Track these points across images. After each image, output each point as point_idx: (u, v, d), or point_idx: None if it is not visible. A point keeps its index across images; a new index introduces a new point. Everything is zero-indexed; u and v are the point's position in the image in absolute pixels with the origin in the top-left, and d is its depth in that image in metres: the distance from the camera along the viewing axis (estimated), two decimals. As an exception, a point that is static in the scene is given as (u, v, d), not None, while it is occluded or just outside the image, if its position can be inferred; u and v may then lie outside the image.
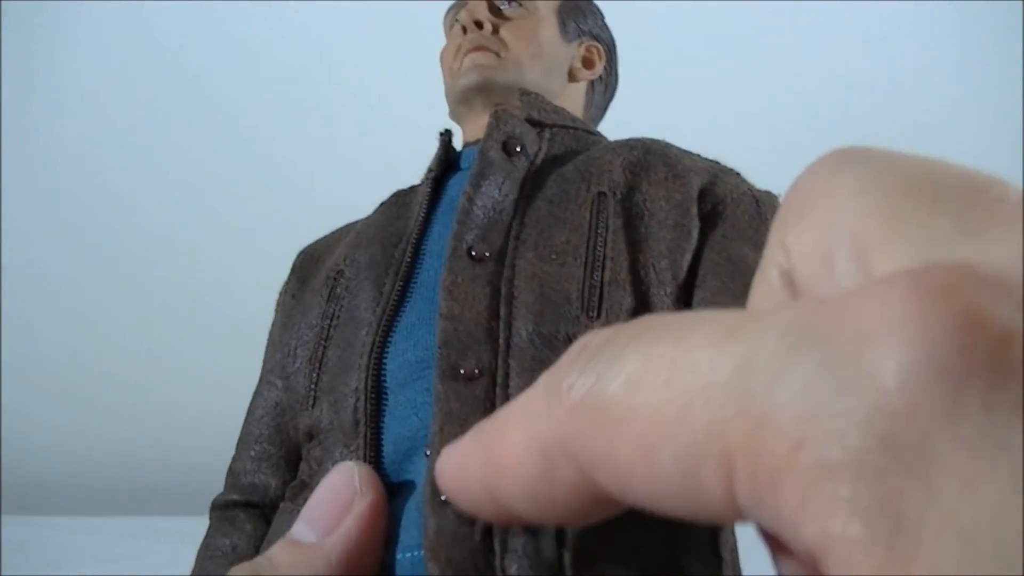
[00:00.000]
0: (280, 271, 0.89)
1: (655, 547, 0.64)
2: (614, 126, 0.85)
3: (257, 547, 0.76)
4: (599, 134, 0.87)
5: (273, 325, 0.86)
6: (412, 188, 0.85)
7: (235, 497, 0.79)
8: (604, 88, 0.95)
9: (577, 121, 0.86)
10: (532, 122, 0.81)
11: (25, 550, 3.33)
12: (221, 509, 0.79)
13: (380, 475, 0.68)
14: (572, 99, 0.90)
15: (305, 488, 0.73)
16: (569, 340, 0.69)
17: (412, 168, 0.86)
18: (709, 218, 0.76)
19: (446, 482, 0.16)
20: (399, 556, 0.65)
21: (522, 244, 0.73)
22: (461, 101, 0.85)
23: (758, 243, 0.75)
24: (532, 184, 0.77)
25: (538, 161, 0.78)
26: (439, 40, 0.93)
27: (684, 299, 0.73)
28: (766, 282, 0.15)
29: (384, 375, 0.72)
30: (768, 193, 0.80)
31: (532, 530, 0.61)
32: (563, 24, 0.89)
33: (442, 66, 0.90)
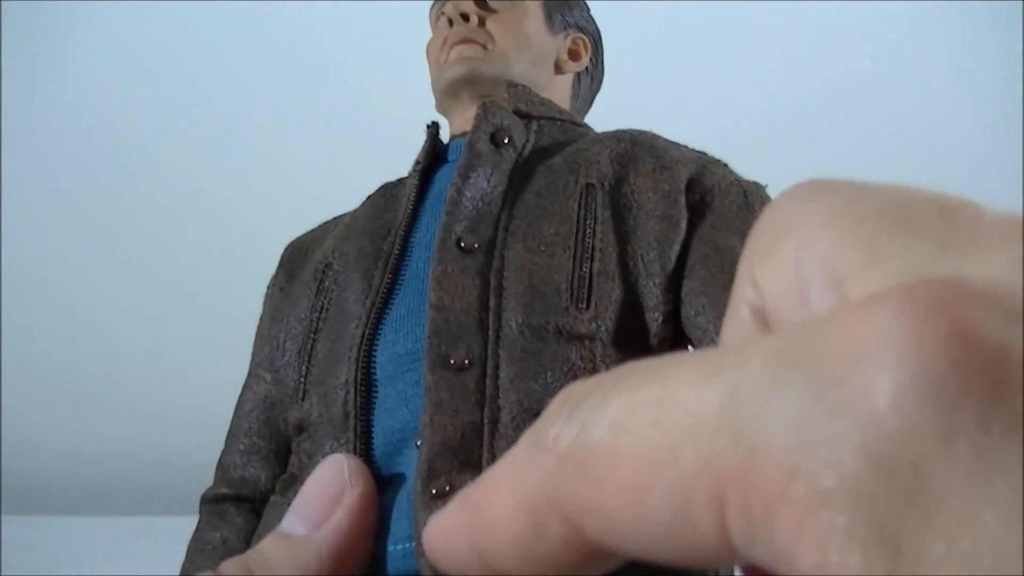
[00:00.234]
0: (281, 272, 0.88)
1: None
2: (614, 125, 0.85)
3: (247, 540, 0.76)
4: (586, 126, 0.88)
5: (261, 319, 0.85)
6: (400, 181, 0.85)
7: (225, 491, 0.79)
8: (590, 80, 0.95)
9: (564, 113, 0.86)
10: (520, 114, 0.81)
11: (25, 550, 3.33)
12: (211, 503, 0.79)
13: (370, 467, 0.68)
14: (559, 91, 0.90)
15: (295, 481, 0.73)
16: (559, 331, 0.69)
17: (399, 161, 0.86)
18: (697, 209, 0.76)
19: (434, 549, 0.16)
20: (390, 548, 0.65)
21: (511, 236, 0.73)
22: (448, 93, 0.86)
23: (746, 233, 0.73)
24: (520, 176, 0.77)
25: (526, 153, 0.79)
26: (426, 34, 0.93)
27: (673, 290, 0.73)
28: (737, 320, 0.15)
29: (374, 368, 0.72)
30: (756, 184, 0.80)
31: None
32: (549, 16, 0.90)
33: (428, 59, 0.90)
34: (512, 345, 0.68)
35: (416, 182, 0.80)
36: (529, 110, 0.82)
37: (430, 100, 0.91)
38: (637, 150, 0.78)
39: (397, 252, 0.76)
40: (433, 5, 0.92)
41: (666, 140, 0.81)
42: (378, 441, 0.69)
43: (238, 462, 0.80)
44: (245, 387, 0.82)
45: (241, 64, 5.23)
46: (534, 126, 0.81)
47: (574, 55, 0.92)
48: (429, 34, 0.92)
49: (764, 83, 5.26)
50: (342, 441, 0.70)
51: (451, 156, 0.84)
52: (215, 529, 0.77)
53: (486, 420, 0.66)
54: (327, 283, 0.78)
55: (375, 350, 0.72)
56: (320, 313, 0.77)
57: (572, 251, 0.72)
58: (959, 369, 0.10)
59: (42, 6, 4.98)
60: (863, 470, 0.10)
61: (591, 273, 0.71)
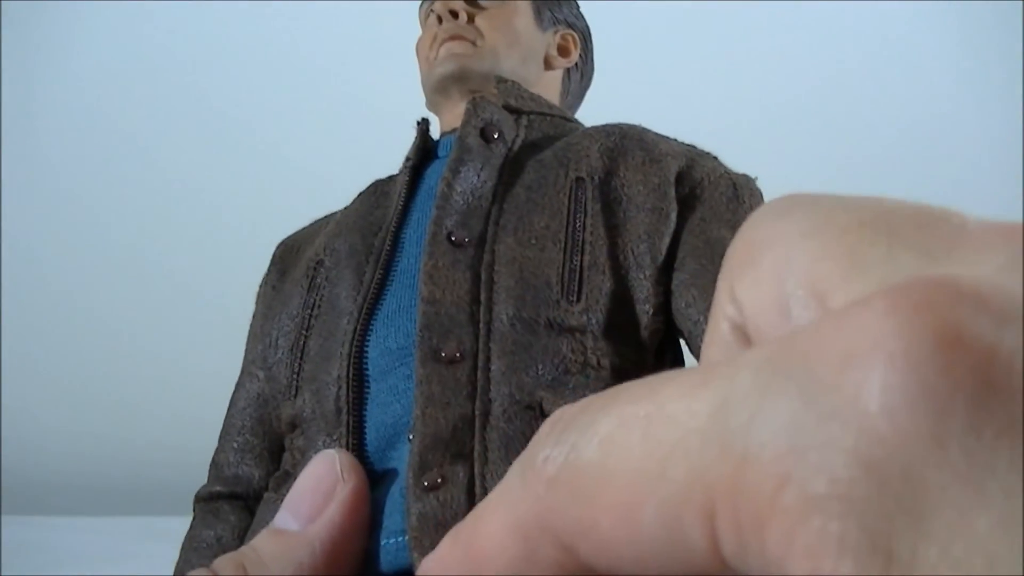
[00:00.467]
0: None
1: None
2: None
3: (241, 538, 0.76)
4: (576, 121, 0.88)
5: (254, 317, 0.85)
6: (390, 177, 0.85)
7: (219, 489, 0.79)
8: (580, 76, 0.95)
9: (554, 108, 0.86)
10: (509, 109, 0.81)
11: (25, 550, 3.33)
12: (205, 501, 0.79)
13: (363, 463, 0.69)
14: (548, 87, 0.90)
15: (288, 478, 0.73)
16: (550, 324, 0.70)
17: (392, 158, 0.86)
18: (687, 201, 0.76)
19: None
20: (383, 542, 0.65)
21: (502, 229, 0.73)
22: (438, 90, 0.86)
23: (736, 225, 0.75)
24: (510, 170, 0.77)
25: (516, 148, 0.79)
26: (416, 31, 0.93)
27: (663, 282, 0.74)
28: (718, 337, 0.14)
29: (366, 363, 0.72)
30: (745, 176, 0.80)
31: None
32: (538, 12, 0.90)
33: (418, 56, 0.90)
34: (503, 338, 0.69)
35: (407, 178, 0.81)
36: (519, 105, 0.82)
37: (421, 98, 0.91)
38: (626, 144, 0.78)
39: (388, 248, 0.76)
40: (422, 3, 0.92)
41: (655, 134, 0.81)
42: (371, 436, 0.70)
43: (232, 460, 0.80)
44: (238, 385, 0.83)
45: (241, 65, 5.23)
46: (524, 121, 0.82)
47: (563, 51, 0.92)
48: (408, 26, 0.92)
49: (763, 83, 5.26)
50: (335, 437, 0.70)
51: (441, 152, 0.84)
52: (209, 527, 0.77)
53: (478, 412, 0.66)
54: (319, 280, 0.78)
55: (367, 346, 0.72)
56: (312, 310, 0.77)
57: (562, 244, 0.72)
58: (949, 370, 0.10)
59: (42, 6, 4.97)
60: (855, 475, 0.10)
61: (581, 266, 0.72)
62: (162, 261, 5.52)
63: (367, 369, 0.72)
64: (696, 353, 0.75)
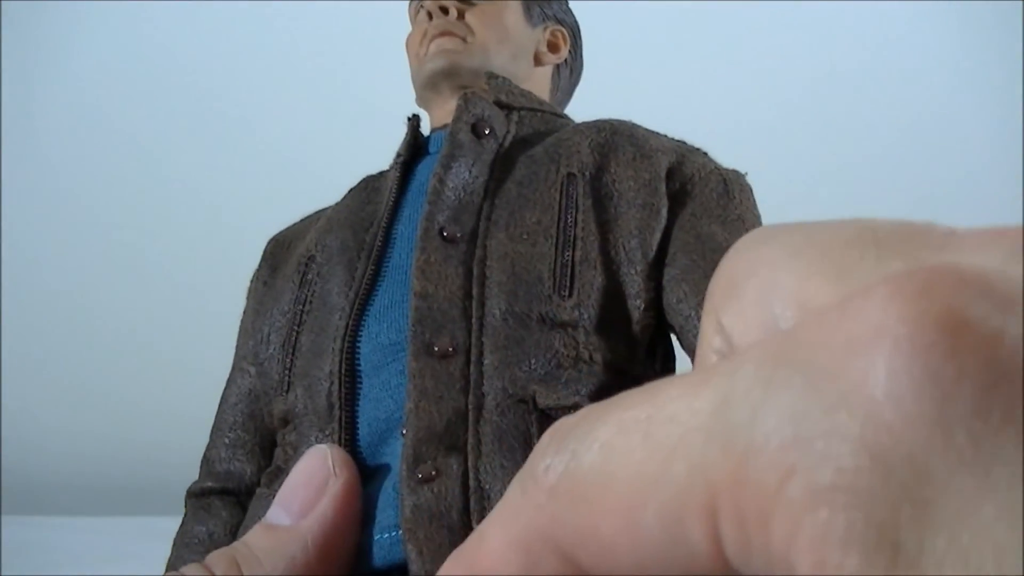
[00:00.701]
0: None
1: None
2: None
3: (233, 533, 0.76)
4: (567, 117, 0.88)
5: (245, 313, 0.86)
6: (381, 173, 0.85)
7: (210, 484, 0.79)
8: (570, 72, 0.95)
9: (544, 104, 0.86)
10: (500, 105, 0.82)
11: (25, 550, 3.32)
12: (196, 497, 0.79)
13: (356, 458, 0.69)
14: (538, 83, 0.90)
15: (280, 473, 0.73)
16: (542, 318, 0.70)
17: (386, 156, 0.86)
18: (677, 197, 0.77)
19: None
20: (376, 537, 0.65)
21: (493, 225, 0.73)
22: (428, 86, 0.86)
23: (726, 221, 0.76)
24: (501, 166, 0.77)
25: (507, 143, 0.79)
26: (406, 28, 0.93)
27: (654, 277, 0.74)
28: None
29: (358, 359, 0.72)
30: (735, 171, 0.80)
31: None
32: (528, 9, 0.90)
33: (408, 52, 0.90)
34: (496, 333, 0.69)
35: (398, 174, 0.81)
36: (510, 101, 0.82)
37: (398, 87, 0.91)
38: (617, 139, 0.78)
39: (380, 244, 0.76)
40: (412, 0, 0.92)
41: (645, 129, 0.81)
42: (363, 431, 0.70)
43: (223, 456, 0.80)
44: (229, 381, 0.83)
45: (240, 65, 5.23)
46: (515, 117, 0.82)
47: (553, 47, 0.92)
48: (398, 23, 0.93)
49: (761, 82, 5.26)
50: (327, 432, 0.70)
51: (432, 148, 0.84)
52: (200, 523, 0.77)
53: (471, 406, 0.67)
54: (310, 276, 0.78)
55: (359, 341, 0.72)
56: (304, 305, 0.77)
57: (554, 239, 0.72)
58: (955, 355, 0.09)
59: (42, 6, 4.97)
60: (861, 464, 0.09)
61: (573, 261, 0.72)
62: (162, 261, 5.52)
63: (359, 365, 0.72)
64: (687, 348, 0.75)
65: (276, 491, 0.65)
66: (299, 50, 5.20)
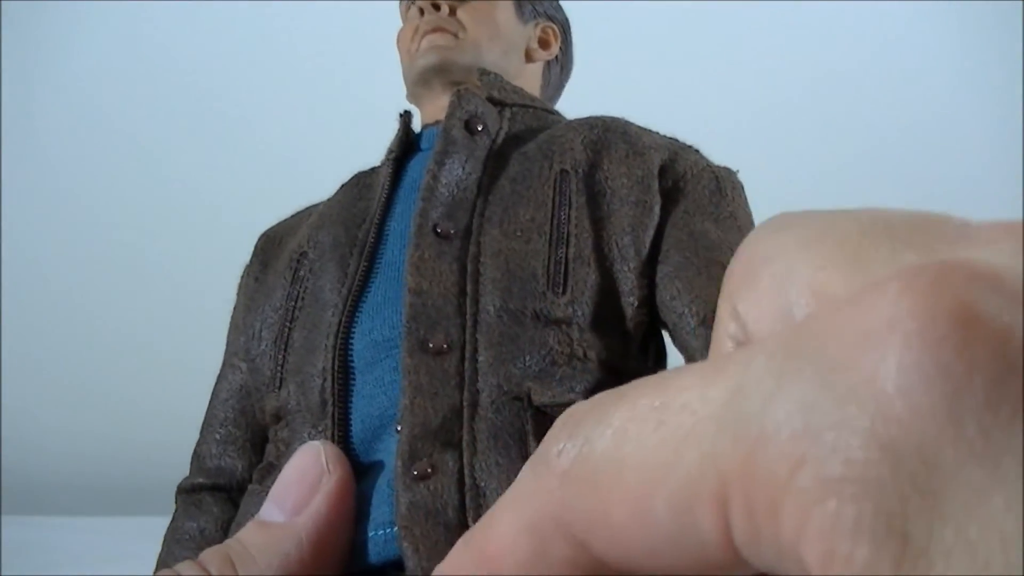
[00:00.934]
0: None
1: None
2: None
3: (225, 529, 0.76)
4: (558, 113, 0.88)
5: (236, 308, 0.85)
6: (373, 169, 0.85)
7: (201, 480, 0.79)
8: (560, 68, 0.95)
9: (536, 100, 0.86)
10: (492, 101, 0.82)
11: (25, 550, 3.32)
12: (187, 493, 0.79)
13: (349, 455, 0.69)
14: (529, 79, 0.90)
15: (273, 470, 0.73)
16: (536, 315, 0.70)
17: (370, 152, 0.86)
18: (670, 194, 0.77)
19: None
20: (371, 534, 0.65)
21: (487, 222, 0.73)
22: (420, 82, 0.86)
23: (719, 218, 0.76)
24: (495, 163, 0.77)
25: (499, 140, 0.79)
26: (397, 24, 0.93)
27: (648, 275, 0.74)
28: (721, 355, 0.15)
29: (351, 355, 0.72)
30: (727, 169, 0.80)
31: None
32: (519, 5, 0.90)
33: (400, 49, 0.90)
34: (490, 329, 0.69)
35: (390, 170, 0.80)
36: (502, 97, 0.83)
37: (389, 82, 0.91)
38: (610, 136, 0.78)
39: (372, 240, 0.76)
40: None
41: (637, 126, 0.81)
42: (356, 428, 0.69)
43: (214, 452, 0.79)
44: (220, 377, 0.82)
45: (238, 67, 5.24)
46: (507, 113, 0.82)
47: (544, 44, 0.92)
48: (389, 18, 0.93)
49: (760, 81, 5.26)
50: (320, 429, 0.70)
51: (424, 145, 0.84)
52: (192, 519, 0.77)
53: (466, 403, 0.66)
54: (302, 272, 0.78)
55: (352, 338, 0.72)
56: (296, 302, 0.77)
57: (548, 236, 0.72)
58: (966, 350, 0.10)
59: (42, 6, 4.97)
60: (871, 456, 0.10)
61: (567, 258, 0.72)
62: (161, 262, 5.52)
63: (352, 361, 0.71)
64: (680, 345, 0.75)
65: (268, 487, 0.65)
66: (297, 51, 5.21)
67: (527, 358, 0.68)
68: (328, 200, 0.85)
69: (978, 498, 0.09)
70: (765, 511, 0.10)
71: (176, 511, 0.79)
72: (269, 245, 0.86)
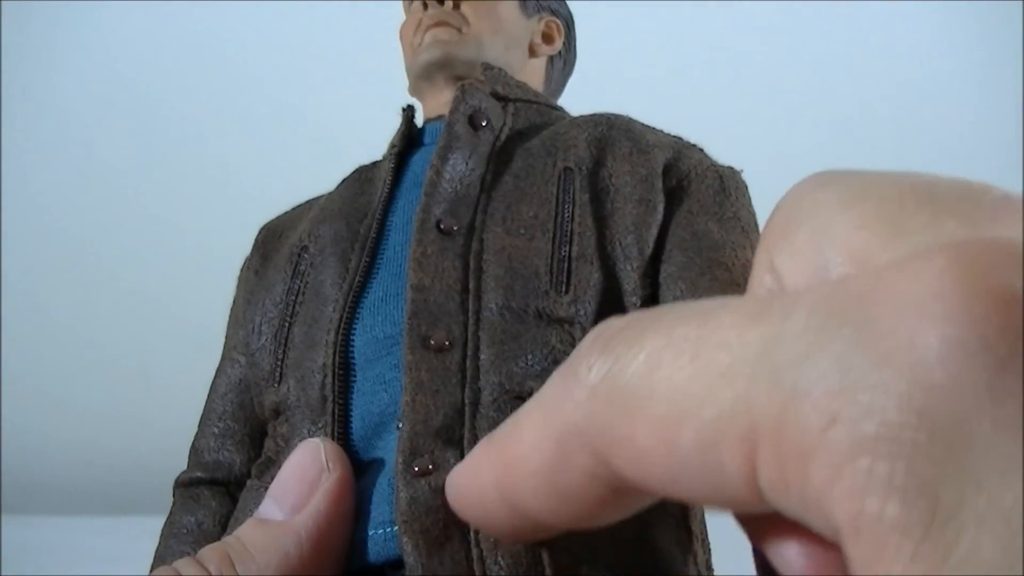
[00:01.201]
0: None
1: (625, 521, 0.63)
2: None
3: (222, 524, 0.75)
4: (561, 108, 0.88)
5: (235, 301, 0.85)
6: (374, 164, 0.84)
7: (199, 474, 0.78)
8: (563, 63, 0.95)
9: (540, 96, 0.86)
10: (496, 96, 0.81)
11: (25, 550, 3.32)
12: (184, 487, 0.78)
13: (349, 452, 0.67)
14: (532, 74, 0.90)
15: (272, 465, 0.72)
16: (539, 314, 0.69)
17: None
18: (674, 194, 0.76)
19: (457, 494, 0.15)
20: (371, 532, 0.63)
21: (490, 218, 0.72)
22: (422, 76, 0.85)
23: (722, 218, 0.75)
24: (498, 159, 0.76)
25: (503, 136, 0.78)
26: (399, 17, 0.93)
27: (651, 274, 0.73)
28: None
29: (352, 351, 0.71)
30: (731, 168, 0.80)
31: None
32: (523, 0, 0.89)
33: (402, 42, 0.89)
34: (492, 327, 0.68)
35: (392, 165, 0.80)
36: (506, 92, 0.82)
37: (389, 77, 0.91)
38: (614, 134, 0.78)
39: (374, 235, 0.75)
40: None
41: (642, 124, 0.81)
42: (356, 425, 0.68)
43: (212, 445, 0.79)
44: (219, 371, 0.82)
45: (217, 91, 5.27)
46: (511, 109, 0.81)
47: (547, 39, 0.92)
48: (388, 13, 0.92)
49: (760, 81, 5.26)
50: (319, 425, 0.69)
51: (427, 139, 0.84)
52: (189, 513, 0.76)
53: (467, 401, 0.65)
54: (303, 266, 0.77)
55: (353, 334, 0.71)
56: (296, 296, 0.76)
57: (551, 234, 0.72)
58: (1009, 328, 0.10)
59: (19, 31, 4.99)
60: (907, 420, 0.10)
61: (570, 256, 0.71)
62: (149, 282, 5.59)
63: (353, 357, 0.71)
64: None
65: (267, 483, 0.65)
66: (269, 73, 5.24)
67: (529, 357, 0.67)
68: (329, 194, 0.84)
69: (1015, 471, 0.09)
70: (794, 462, 0.10)
71: (173, 505, 0.78)
72: (269, 238, 0.85)
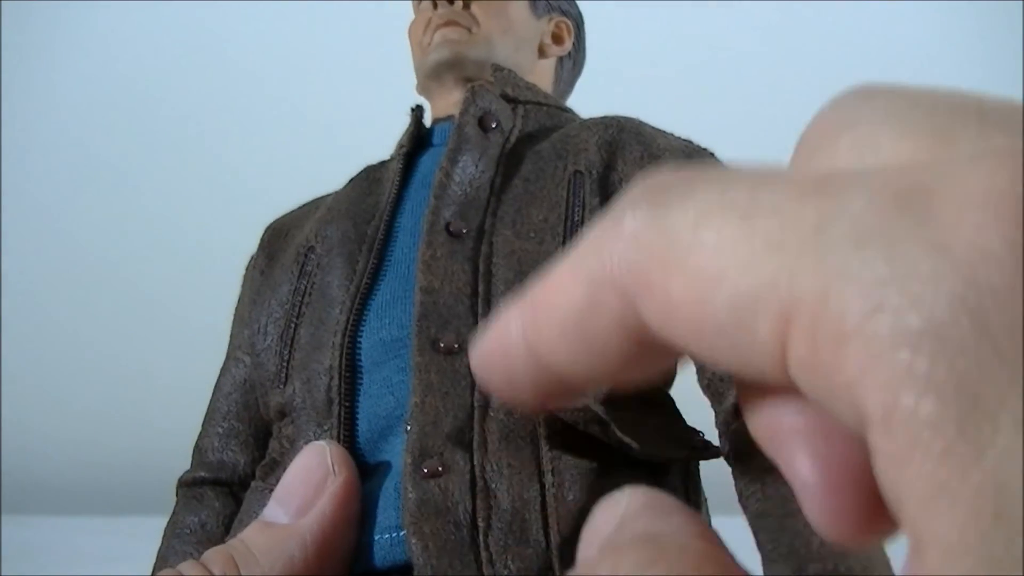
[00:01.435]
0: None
1: None
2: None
3: (226, 524, 0.75)
4: (570, 110, 0.87)
5: (240, 301, 0.84)
6: (382, 164, 0.84)
7: (203, 474, 0.77)
8: (572, 64, 0.94)
9: (549, 98, 0.85)
10: (506, 98, 0.80)
11: (25, 550, 3.32)
12: (188, 486, 0.78)
13: (355, 455, 0.67)
14: (542, 75, 0.89)
15: (276, 467, 0.72)
16: None
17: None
18: None
19: (483, 350, 0.15)
20: (376, 537, 0.63)
21: (499, 221, 0.72)
22: (432, 76, 0.84)
23: None
24: (508, 161, 0.76)
25: (513, 138, 0.78)
26: (400, 15, 0.92)
27: None
28: None
29: (358, 354, 0.70)
30: None
31: (517, 508, 0.61)
32: (533, 0, 0.89)
33: (411, 41, 0.89)
34: None
35: (400, 166, 0.79)
36: (515, 94, 0.81)
37: (396, 76, 0.90)
38: (624, 137, 0.77)
39: (382, 237, 0.75)
40: None
41: (652, 127, 0.80)
42: (362, 428, 0.68)
43: (216, 445, 0.78)
44: (223, 370, 0.81)
45: (216, 93, 5.27)
46: (520, 111, 0.80)
47: (557, 39, 0.91)
48: (396, 12, 0.92)
49: (760, 81, 5.27)
50: (325, 428, 0.68)
51: (436, 140, 0.83)
52: (193, 513, 0.76)
53: (477, 404, 0.65)
54: (309, 267, 0.76)
55: (359, 336, 0.70)
56: (303, 297, 0.75)
57: (561, 238, 0.71)
58: None
59: (21, 35, 4.99)
60: (956, 317, 0.09)
61: None
62: (148, 286, 5.60)
63: (359, 360, 0.70)
64: None
65: (272, 485, 0.64)
66: (281, 72, 5.24)
67: None
68: (336, 193, 0.84)
69: None
70: (830, 345, 0.10)
71: (177, 504, 0.78)
72: (275, 237, 0.84)
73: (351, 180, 0.84)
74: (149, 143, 5.37)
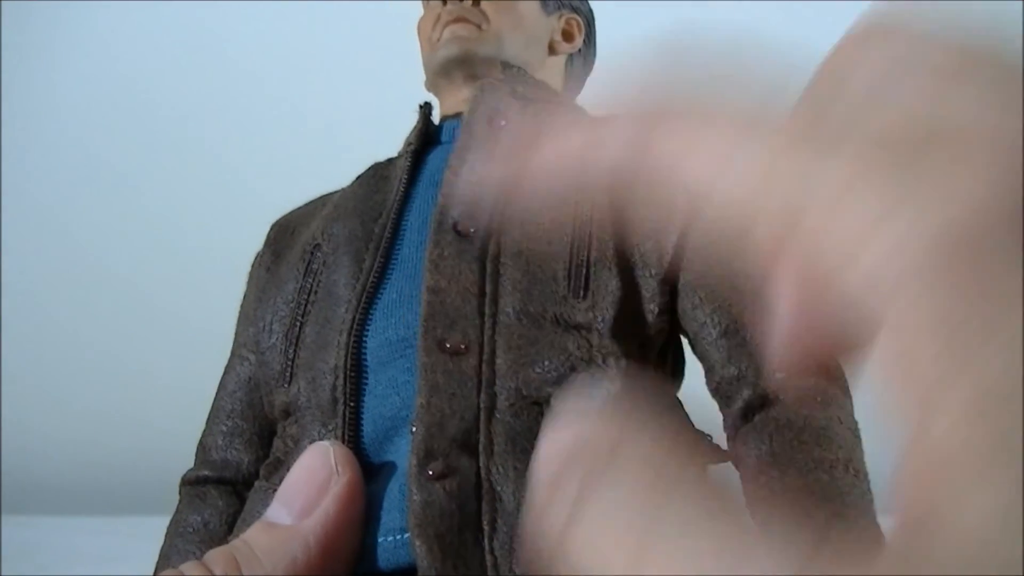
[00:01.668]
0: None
1: None
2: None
3: (229, 523, 0.74)
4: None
5: (245, 298, 0.83)
6: (389, 161, 0.83)
7: (206, 473, 0.77)
8: (583, 61, 0.93)
9: (559, 96, 0.85)
10: (515, 96, 0.80)
11: (25, 550, 3.32)
12: (191, 485, 0.77)
13: (359, 455, 0.66)
14: (552, 72, 0.88)
15: (280, 466, 0.71)
16: (556, 320, 0.68)
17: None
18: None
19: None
20: (380, 539, 0.63)
21: (507, 221, 0.71)
22: (440, 73, 0.84)
23: None
24: None
25: None
26: (400, 14, 0.91)
27: (669, 281, 0.72)
28: None
29: (364, 353, 0.70)
30: None
31: (522, 511, 0.60)
32: None
33: (420, 37, 0.88)
34: (509, 332, 0.67)
35: (408, 163, 0.79)
36: (525, 92, 0.81)
37: (403, 73, 0.89)
38: None
39: (388, 235, 0.74)
40: None
41: None
42: (367, 428, 0.67)
43: (220, 444, 0.78)
44: (228, 368, 0.81)
45: (216, 93, 5.28)
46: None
47: (567, 36, 0.90)
48: (401, 9, 0.91)
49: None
50: (330, 428, 0.68)
51: (444, 138, 0.82)
52: (196, 512, 0.75)
53: (483, 405, 0.65)
54: (315, 265, 0.76)
55: (365, 335, 0.70)
56: (308, 295, 0.75)
57: (569, 240, 0.71)
58: None
59: (20, 35, 5.00)
60: (966, 231, 0.10)
61: (588, 262, 0.70)
62: (148, 288, 5.61)
63: (365, 360, 0.70)
64: (700, 355, 0.73)
65: (276, 484, 0.64)
66: (281, 71, 5.24)
67: (546, 363, 0.66)
68: (343, 191, 0.83)
69: None
70: (842, 245, 0.11)
71: (180, 503, 0.77)
72: (282, 234, 0.84)
73: (358, 177, 0.83)
74: (149, 143, 5.36)
